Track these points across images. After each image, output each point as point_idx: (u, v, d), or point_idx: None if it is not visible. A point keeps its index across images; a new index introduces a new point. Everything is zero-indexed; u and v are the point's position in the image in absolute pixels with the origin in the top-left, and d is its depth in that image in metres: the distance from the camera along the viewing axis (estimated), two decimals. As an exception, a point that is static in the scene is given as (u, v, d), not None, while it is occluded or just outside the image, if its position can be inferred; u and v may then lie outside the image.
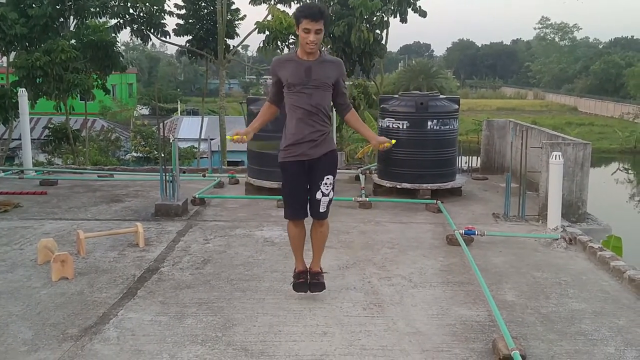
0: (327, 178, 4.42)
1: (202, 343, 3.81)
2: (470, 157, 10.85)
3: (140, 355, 3.64)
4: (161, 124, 8.91)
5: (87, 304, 4.44)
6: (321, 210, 4.44)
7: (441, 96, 8.45)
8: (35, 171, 10.30)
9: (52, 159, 21.04)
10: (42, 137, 21.67)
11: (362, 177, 8.98)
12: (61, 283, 4.85)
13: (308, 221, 4.55)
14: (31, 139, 11.04)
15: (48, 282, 4.86)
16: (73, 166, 13.50)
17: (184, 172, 9.92)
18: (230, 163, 16.96)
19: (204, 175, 9.70)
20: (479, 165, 10.50)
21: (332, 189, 4.46)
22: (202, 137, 21.54)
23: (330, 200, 4.48)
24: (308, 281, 4.60)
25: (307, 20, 4.16)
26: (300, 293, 4.60)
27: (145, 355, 3.65)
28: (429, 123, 7.86)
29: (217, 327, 4.06)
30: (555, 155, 6.33)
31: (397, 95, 8.58)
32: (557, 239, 6.04)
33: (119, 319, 4.19)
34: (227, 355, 3.66)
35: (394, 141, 4.68)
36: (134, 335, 3.93)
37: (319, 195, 4.40)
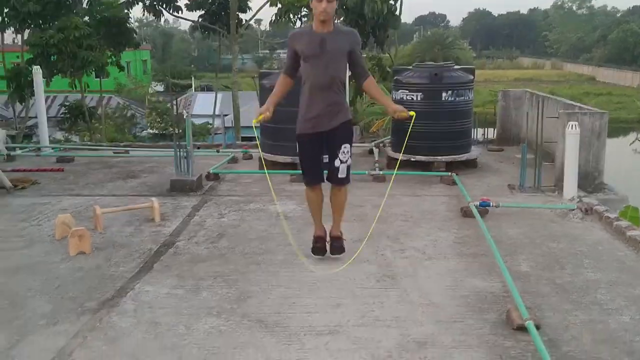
0: (344, 146, 4.59)
1: (218, 315, 3.86)
2: (486, 129, 10.74)
3: (157, 327, 3.70)
4: (175, 101, 8.92)
5: (105, 278, 4.51)
6: (340, 176, 4.63)
7: (456, 67, 8.34)
8: (52, 148, 10.39)
9: (69, 137, 21.21)
10: (59, 115, 21.82)
11: (375, 150, 8.93)
12: (79, 258, 4.92)
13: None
14: (48, 117, 11.12)
15: (66, 257, 4.93)
16: (89, 143, 13.60)
17: (198, 148, 9.95)
18: (244, 138, 16.97)
19: (218, 151, 9.72)
20: (494, 136, 10.40)
21: (350, 156, 4.63)
22: (216, 113, 21.54)
23: (348, 167, 4.65)
24: (327, 245, 4.80)
25: None
26: (318, 257, 4.76)
27: (162, 327, 3.71)
28: (444, 94, 7.78)
29: (232, 299, 4.10)
30: (572, 125, 6.25)
31: (411, 67, 8.49)
32: (573, 210, 6.00)
33: (136, 292, 4.25)
34: (242, 326, 3.70)
35: (413, 113, 4.62)
36: (150, 307, 3.99)
37: (337, 162, 4.60)
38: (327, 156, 4.69)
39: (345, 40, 4.47)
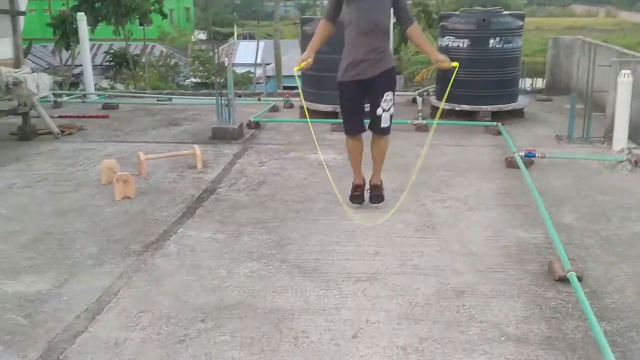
0: (387, 94, 4.50)
1: (258, 259, 3.92)
2: (535, 79, 10.42)
3: (199, 270, 3.78)
4: (217, 49, 8.89)
5: (149, 222, 4.61)
6: (382, 125, 4.57)
7: (505, 12, 8.03)
8: (97, 95, 10.56)
9: (114, 85, 21.50)
10: (104, 63, 22.08)
11: (419, 99, 8.75)
12: (124, 202, 5.04)
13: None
14: (93, 65, 11.27)
15: (111, 201, 5.05)
16: (133, 90, 13.77)
17: (240, 96, 9.95)
18: (285, 87, 16.89)
19: (259, 99, 9.71)
20: (543, 86, 10.07)
21: (393, 104, 4.55)
22: (258, 62, 21.44)
23: (391, 116, 4.59)
24: (366, 194, 4.79)
25: None
26: (355, 206, 4.76)
27: (203, 270, 3.79)
28: (491, 41, 7.53)
29: (272, 245, 4.15)
30: (625, 74, 5.98)
31: (458, 12, 8.21)
32: (622, 161, 5.80)
33: (178, 236, 4.34)
34: (281, 271, 3.75)
35: (456, 64, 4.48)
36: (193, 251, 4.07)
37: (379, 111, 4.53)
38: (368, 105, 4.62)
39: None
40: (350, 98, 4.57)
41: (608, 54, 7.88)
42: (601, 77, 7.16)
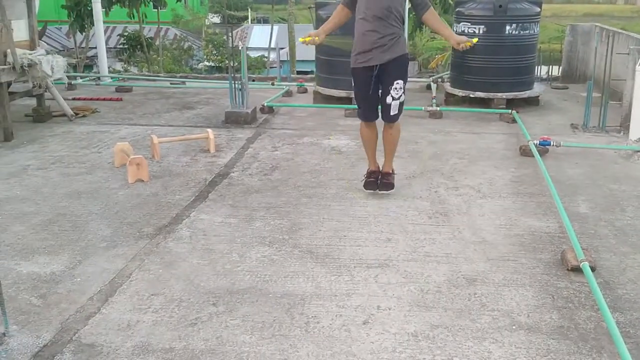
0: (397, 82, 4.48)
1: (270, 244, 3.93)
2: (551, 66, 10.30)
3: (211, 254, 3.80)
4: (231, 33, 8.84)
5: (162, 205, 4.63)
6: (392, 113, 4.56)
7: (522, -2, 7.92)
8: (111, 78, 10.58)
9: (128, 68, 21.51)
10: (117, 46, 22.08)
11: (433, 85, 8.71)
12: (137, 185, 5.06)
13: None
14: (107, 48, 11.27)
15: (125, 184, 5.08)
16: (147, 74, 13.78)
17: (253, 81, 9.94)
18: (299, 72, 16.83)
19: (272, 84, 9.69)
20: (559, 74, 9.95)
21: (403, 92, 4.52)
22: (272, 46, 21.35)
23: (401, 104, 4.57)
24: (378, 181, 4.77)
25: None
26: (369, 191, 4.77)
27: (215, 253, 3.80)
28: (508, 27, 7.44)
29: (284, 230, 4.15)
30: (644, 62, 5.88)
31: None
32: (638, 151, 5.73)
33: (191, 219, 4.35)
34: (294, 256, 3.76)
35: (475, 40, 4.48)
36: (205, 235, 4.09)
37: (389, 99, 4.51)
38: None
39: None
40: (363, 84, 4.55)
41: (626, 41, 7.76)
42: (619, 65, 7.06)
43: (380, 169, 4.84)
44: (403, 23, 4.53)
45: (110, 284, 3.44)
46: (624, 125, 6.43)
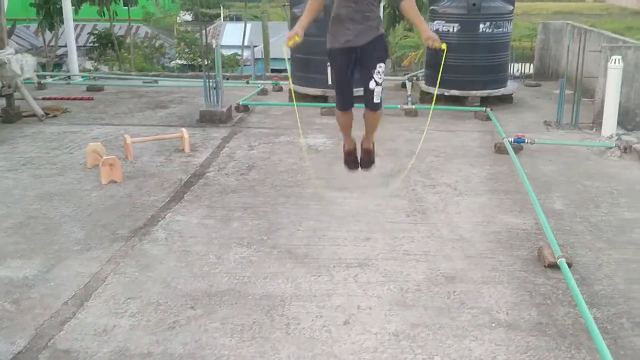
0: (380, 66, 4.23)
1: (248, 245, 3.89)
2: (523, 64, 10.40)
3: (188, 256, 3.75)
4: (204, 30, 8.75)
5: (136, 207, 4.55)
6: (375, 100, 4.28)
7: (495, -3, 7.99)
8: (82, 77, 10.39)
9: (98, 66, 21.18)
10: (88, 44, 21.73)
11: (408, 84, 8.72)
12: (110, 186, 4.97)
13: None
14: (77, 46, 11.06)
15: (98, 185, 4.98)
16: (118, 72, 13.58)
17: (228, 79, 9.84)
18: (273, 70, 16.75)
19: (247, 82, 9.61)
20: (531, 71, 10.06)
21: (383, 76, 4.29)
22: (246, 44, 21.22)
23: (382, 90, 4.32)
24: (360, 163, 4.56)
25: None
26: (352, 171, 4.54)
27: (192, 255, 3.75)
28: (481, 26, 7.49)
29: (262, 230, 4.12)
30: (615, 60, 5.98)
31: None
32: (611, 148, 5.82)
33: (166, 221, 4.29)
34: (272, 257, 3.73)
35: (445, 45, 4.39)
36: (181, 236, 4.03)
37: (372, 84, 4.24)
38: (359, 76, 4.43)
39: None
40: (341, 67, 4.31)
41: (598, 39, 7.88)
42: (591, 62, 7.16)
43: (357, 147, 4.57)
44: (379, 5, 4.42)
45: (85, 288, 3.36)
46: (597, 122, 6.53)
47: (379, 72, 4.24)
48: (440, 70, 4.51)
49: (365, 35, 4.22)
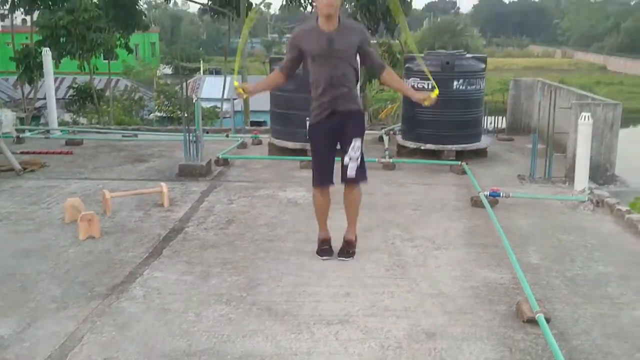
0: (356, 141, 4.34)
1: (227, 302, 3.86)
2: (496, 117, 10.67)
3: (167, 314, 3.71)
4: (184, 84, 8.90)
5: (114, 263, 4.51)
6: (349, 174, 4.36)
7: (468, 55, 8.27)
8: (61, 131, 10.40)
9: (77, 119, 21.21)
10: (67, 97, 21.81)
11: (385, 137, 8.88)
12: (88, 242, 4.93)
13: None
14: (56, 99, 11.10)
15: (75, 241, 4.94)
16: (98, 126, 13.61)
17: (207, 133, 9.93)
18: (253, 123, 16.94)
19: (227, 136, 9.71)
20: (504, 125, 10.33)
21: (361, 152, 4.38)
22: (225, 97, 21.49)
23: (360, 165, 4.38)
24: (338, 251, 4.62)
25: None
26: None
27: (171, 313, 3.71)
28: (455, 83, 7.72)
29: (242, 286, 4.10)
30: (585, 116, 6.18)
31: (422, 55, 8.41)
32: (583, 202, 5.95)
33: (145, 277, 4.25)
34: (252, 314, 3.70)
35: (436, 91, 4.49)
36: (160, 294, 3.99)
37: (346, 159, 4.36)
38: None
39: (354, 36, 4.31)
40: (321, 142, 4.44)
41: (567, 96, 8.16)
42: (561, 118, 7.39)
43: (331, 236, 4.70)
44: (355, 86, 4.55)
45: (61, 348, 3.30)
46: (569, 177, 6.69)
47: (354, 147, 4.33)
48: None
49: (344, 104, 4.34)
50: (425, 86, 7.75)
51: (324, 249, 4.63)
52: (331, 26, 4.23)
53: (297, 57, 4.39)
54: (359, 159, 4.38)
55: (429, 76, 5.00)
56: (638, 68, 56.25)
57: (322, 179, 4.48)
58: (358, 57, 4.43)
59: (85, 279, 4.22)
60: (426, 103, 4.46)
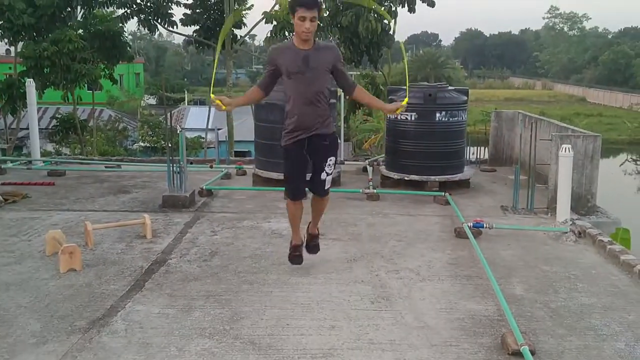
0: (330, 159, 4.71)
1: (210, 336, 3.81)
2: (478, 148, 10.79)
3: (148, 348, 3.65)
4: (168, 114, 8.91)
5: (95, 296, 4.45)
6: (326, 187, 4.76)
7: (450, 87, 8.39)
8: (43, 161, 10.32)
9: (60, 149, 21.07)
10: (50, 127, 21.70)
11: (369, 168, 8.93)
12: (69, 275, 4.86)
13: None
14: (39, 129, 11.04)
15: (56, 274, 4.87)
16: (80, 156, 13.53)
17: (191, 163, 9.91)
18: (237, 154, 16.95)
19: (211, 167, 9.69)
20: (487, 157, 10.44)
21: (334, 167, 4.77)
22: (209, 127, 21.51)
23: (333, 178, 4.82)
24: (305, 247, 4.98)
25: (302, 8, 4.34)
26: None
27: (152, 348, 3.65)
28: (438, 115, 7.81)
29: (225, 320, 4.05)
30: (565, 148, 6.27)
31: (405, 87, 8.51)
32: (566, 232, 6.00)
33: (126, 311, 4.19)
34: (235, 348, 3.66)
35: (406, 100, 4.74)
36: (141, 328, 3.93)
37: (323, 175, 4.71)
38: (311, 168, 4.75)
39: (328, 55, 4.55)
40: (295, 160, 4.66)
41: (548, 128, 8.28)
42: (542, 149, 7.50)
43: (304, 242, 5.00)
44: (328, 104, 4.75)
45: (39, 385, 3.22)
46: (551, 207, 6.75)
47: (329, 164, 4.69)
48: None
49: (319, 129, 4.57)
50: (408, 117, 7.85)
51: (296, 255, 4.94)
52: (307, 46, 4.49)
53: (273, 73, 4.60)
54: (334, 174, 4.81)
55: (407, 82, 5.26)
56: (616, 100, 57.42)
57: (294, 195, 4.77)
58: (331, 76, 4.67)
59: (65, 312, 4.15)
60: (398, 112, 4.70)
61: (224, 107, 4.55)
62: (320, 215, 4.98)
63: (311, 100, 4.51)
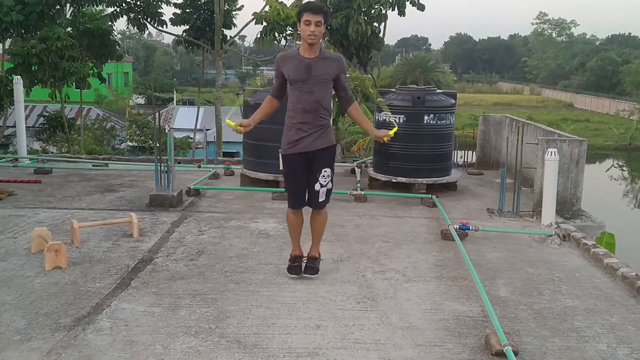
0: (325, 171, 4.67)
1: (195, 334, 3.81)
2: (466, 152, 10.87)
3: (133, 346, 3.64)
4: (157, 114, 8.85)
5: (81, 294, 4.43)
6: (320, 200, 4.71)
7: (438, 91, 8.44)
8: (30, 159, 10.25)
9: (47, 147, 20.92)
10: (37, 125, 21.56)
11: (357, 170, 8.97)
12: (55, 272, 4.84)
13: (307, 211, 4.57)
14: (26, 127, 10.96)
15: (41, 272, 4.84)
16: (67, 155, 13.45)
17: (179, 163, 9.90)
18: (225, 154, 16.92)
19: (199, 166, 9.68)
20: (474, 160, 10.50)
21: (331, 180, 4.70)
22: (198, 127, 21.47)
23: (328, 191, 4.73)
24: (303, 266, 4.85)
25: (307, 12, 4.39)
26: (293, 276, 4.83)
27: (138, 345, 3.65)
28: (426, 117, 7.86)
29: (211, 318, 4.06)
30: (551, 152, 6.33)
31: (394, 89, 8.56)
32: (551, 235, 6.06)
33: (112, 309, 4.18)
34: (220, 347, 3.66)
35: (395, 129, 4.76)
36: (127, 325, 3.92)
37: (317, 187, 4.67)
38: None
39: (332, 66, 4.55)
40: (294, 170, 4.67)
41: (535, 132, 8.35)
42: (529, 153, 7.56)
43: (304, 253, 4.92)
44: (330, 114, 4.74)
45: (23, 382, 3.21)
46: (537, 211, 6.82)
47: (324, 175, 4.67)
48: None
49: (317, 142, 4.64)
50: (397, 119, 7.89)
51: (295, 265, 4.86)
52: (312, 54, 4.50)
53: (281, 78, 4.63)
54: (329, 186, 4.70)
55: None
56: (603, 106, 57.91)
57: (295, 203, 4.77)
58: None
59: (50, 310, 4.13)
60: (385, 139, 4.68)
61: (242, 130, 4.57)
62: (319, 235, 4.88)
63: (312, 109, 4.52)
